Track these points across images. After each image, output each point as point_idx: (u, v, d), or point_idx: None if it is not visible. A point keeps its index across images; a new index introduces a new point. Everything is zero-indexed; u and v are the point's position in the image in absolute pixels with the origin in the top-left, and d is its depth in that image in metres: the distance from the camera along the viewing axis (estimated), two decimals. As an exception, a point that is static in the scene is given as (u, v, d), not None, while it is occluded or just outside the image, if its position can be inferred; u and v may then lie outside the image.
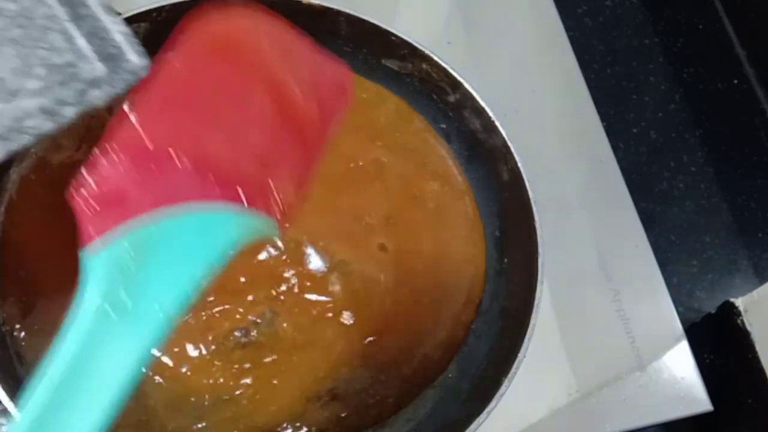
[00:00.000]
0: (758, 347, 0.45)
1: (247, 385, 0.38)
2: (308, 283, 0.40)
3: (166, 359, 0.38)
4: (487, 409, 0.35)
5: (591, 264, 0.48)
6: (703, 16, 0.60)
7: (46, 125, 0.30)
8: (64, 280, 0.38)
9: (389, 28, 0.41)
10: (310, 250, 0.41)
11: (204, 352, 0.38)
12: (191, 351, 0.38)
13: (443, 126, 0.45)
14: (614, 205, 0.51)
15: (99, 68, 0.32)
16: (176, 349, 0.38)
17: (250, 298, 0.39)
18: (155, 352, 0.27)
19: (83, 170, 0.28)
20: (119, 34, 0.32)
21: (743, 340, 0.46)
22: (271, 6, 0.30)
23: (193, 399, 0.38)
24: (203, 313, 0.39)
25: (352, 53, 0.44)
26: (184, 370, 0.38)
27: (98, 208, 0.27)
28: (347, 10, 0.40)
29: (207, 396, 0.38)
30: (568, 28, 0.56)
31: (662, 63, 0.58)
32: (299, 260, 0.40)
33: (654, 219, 0.51)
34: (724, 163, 0.55)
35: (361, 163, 0.44)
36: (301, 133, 0.31)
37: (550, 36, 0.56)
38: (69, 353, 0.25)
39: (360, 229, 0.42)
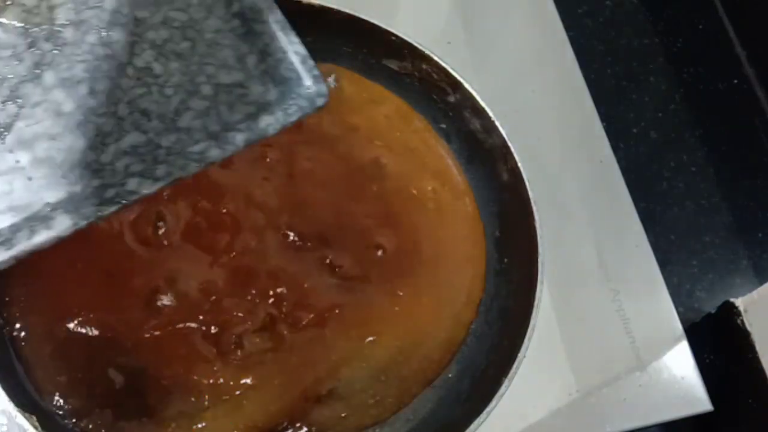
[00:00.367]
0: (758, 347, 0.45)
1: (247, 385, 0.38)
2: (308, 284, 0.40)
3: (166, 359, 0.38)
4: (487, 409, 0.35)
5: (591, 264, 0.48)
6: (703, 16, 0.60)
7: (213, 153, 0.27)
8: (64, 280, 0.38)
9: (389, 28, 0.41)
10: (310, 250, 0.41)
11: (204, 352, 0.38)
12: (191, 351, 0.38)
13: (443, 126, 0.45)
14: (614, 205, 0.51)
15: (271, 91, 0.29)
16: (176, 350, 0.38)
17: (249, 298, 0.39)
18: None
19: None
20: (296, 55, 0.29)
21: (743, 340, 0.46)
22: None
23: (193, 399, 0.38)
24: (204, 314, 0.39)
25: (352, 53, 0.44)
26: (184, 370, 0.38)
27: None
28: (347, 10, 0.40)
29: (207, 396, 0.38)
30: (568, 28, 0.56)
31: (662, 63, 0.58)
32: (299, 260, 0.40)
33: (654, 219, 0.51)
34: (724, 163, 0.55)
35: (360, 163, 0.44)
36: None
37: (550, 36, 0.56)
38: None
39: (360, 229, 0.42)
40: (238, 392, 0.38)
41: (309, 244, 0.41)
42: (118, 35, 0.28)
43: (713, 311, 0.49)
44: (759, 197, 0.55)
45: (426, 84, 0.44)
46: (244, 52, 0.29)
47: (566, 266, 0.47)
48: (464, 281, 0.43)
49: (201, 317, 0.39)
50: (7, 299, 0.38)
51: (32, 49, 0.27)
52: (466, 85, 0.41)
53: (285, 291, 0.40)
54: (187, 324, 0.38)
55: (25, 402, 0.34)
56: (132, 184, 0.26)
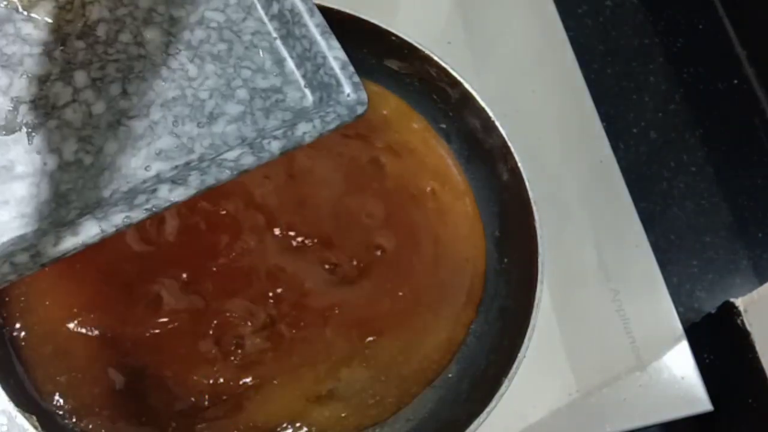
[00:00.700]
0: (758, 347, 0.45)
1: (247, 385, 0.38)
2: (308, 284, 0.40)
3: (166, 359, 0.38)
4: (487, 409, 0.35)
5: (591, 264, 0.48)
6: (703, 16, 0.60)
7: (248, 160, 0.26)
8: (64, 280, 0.38)
9: (389, 28, 0.41)
10: (310, 250, 0.41)
11: (204, 352, 0.38)
12: (192, 351, 0.38)
13: (443, 126, 0.45)
14: (614, 205, 0.51)
15: (308, 97, 0.28)
16: (177, 350, 0.38)
17: (250, 298, 0.39)
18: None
19: None
20: (336, 60, 0.28)
21: (743, 340, 0.46)
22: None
23: (193, 399, 0.38)
24: (203, 314, 0.39)
25: (352, 53, 0.44)
26: (184, 370, 0.38)
27: None
28: (347, 10, 0.40)
29: (207, 396, 0.38)
30: (568, 28, 0.56)
31: (662, 63, 0.58)
32: (299, 260, 0.40)
33: (654, 219, 0.51)
34: (724, 163, 0.55)
35: (361, 163, 0.44)
36: None
37: (550, 36, 0.56)
38: None
39: (360, 229, 0.42)
40: (238, 392, 0.38)
41: (309, 244, 0.41)
42: (152, 35, 0.27)
43: (713, 311, 0.49)
44: (759, 197, 0.55)
45: (426, 84, 0.44)
46: (282, 56, 0.28)
47: (566, 266, 0.47)
48: (464, 281, 0.43)
49: (201, 317, 0.39)
50: (7, 299, 0.38)
51: (63, 47, 0.26)
52: (466, 85, 0.41)
53: (285, 291, 0.40)
54: (187, 324, 0.38)
55: (25, 402, 0.34)
56: (163, 190, 0.25)
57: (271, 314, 0.39)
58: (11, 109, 0.25)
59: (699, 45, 0.59)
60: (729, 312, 0.47)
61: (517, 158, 0.40)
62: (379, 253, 0.42)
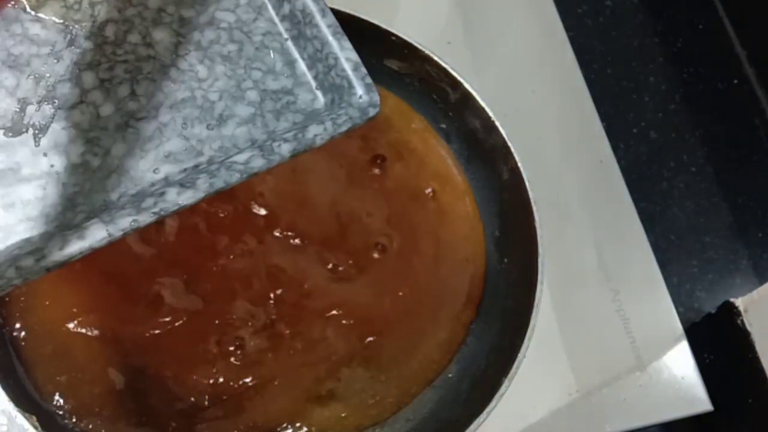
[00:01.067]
0: (758, 347, 0.45)
1: (247, 385, 0.38)
2: (308, 284, 0.40)
3: (166, 359, 0.38)
4: (487, 409, 0.35)
5: (591, 264, 0.48)
6: (703, 16, 0.60)
7: (257, 163, 0.25)
8: (64, 280, 0.38)
9: (389, 28, 0.41)
10: (310, 251, 0.41)
11: (204, 352, 0.38)
12: (192, 351, 0.38)
13: (443, 126, 0.45)
14: (614, 205, 0.51)
15: (320, 99, 0.27)
16: (177, 350, 0.38)
17: (250, 298, 0.39)
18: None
19: None
20: (348, 62, 0.27)
21: (743, 340, 0.46)
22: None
23: (193, 399, 0.38)
24: (204, 314, 0.39)
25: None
26: (184, 370, 0.38)
27: None
28: (347, 10, 0.40)
29: (207, 396, 0.38)
30: (568, 28, 0.56)
31: (662, 63, 0.58)
32: (299, 261, 0.40)
33: (654, 219, 0.51)
34: (724, 163, 0.55)
35: (361, 164, 0.44)
36: None
37: (550, 36, 0.56)
38: None
39: (360, 229, 0.42)
40: (238, 392, 0.38)
41: (309, 244, 0.41)
42: (161, 35, 0.27)
43: (713, 311, 0.49)
44: (759, 197, 0.55)
45: (426, 84, 0.44)
46: (293, 57, 0.28)
47: (566, 266, 0.47)
48: (464, 281, 0.43)
49: (201, 318, 0.39)
50: (7, 299, 0.38)
51: (71, 47, 0.26)
52: (466, 85, 0.41)
53: (285, 291, 0.40)
54: (188, 324, 0.38)
55: (25, 402, 0.34)
56: (171, 194, 0.24)
57: (271, 314, 0.39)
58: (18, 110, 0.25)
59: (699, 45, 0.59)
60: (729, 312, 0.47)
61: (517, 158, 0.40)
62: (379, 253, 0.42)
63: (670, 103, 0.57)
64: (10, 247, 0.24)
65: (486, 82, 0.51)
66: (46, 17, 0.26)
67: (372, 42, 0.42)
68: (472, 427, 0.35)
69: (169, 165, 0.26)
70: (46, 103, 0.25)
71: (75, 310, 0.38)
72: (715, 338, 0.48)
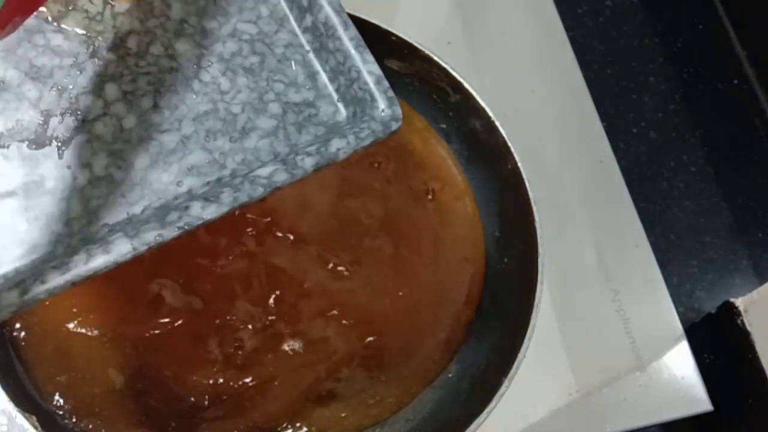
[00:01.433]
0: (758, 347, 0.45)
1: (247, 385, 0.38)
2: (307, 284, 0.40)
3: (166, 359, 0.38)
4: (487, 409, 0.35)
5: (591, 264, 0.48)
6: (703, 16, 0.60)
7: (281, 177, 0.25)
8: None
9: (389, 28, 0.41)
10: (309, 251, 0.41)
11: (204, 352, 0.38)
12: (192, 351, 0.38)
13: (443, 126, 0.45)
14: (614, 205, 0.51)
15: (342, 112, 0.27)
16: (177, 350, 0.38)
17: (250, 299, 0.39)
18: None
19: None
20: (370, 75, 0.27)
21: (743, 340, 0.46)
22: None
23: (193, 399, 0.38)
24: (204, 314, 0.39)
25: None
26: (184, 370, 0.38)
27: None
28: (347, 10, 0.40)
29: (207, 396, 0.38)
30: (568, 28, 0.56)
31: (662, 63, 0.58)
32: (299, 261, 0.40)
33: (654, 219, 0.51)
34: (724, 163, 0.55)
35: (360, 164, 0.44)
36: None
37: (550, 36, 0.56)
38: None
39: (360, 229, 0.42)
40: (238, 392, 0.38)
41: (309, 244, 0.41)
42: (184, 47, 0.27)
43: (713, 311, 0.49)
44: (759, 197, 0.55)
45: (426, 84, 0.44)
46: (315, 70, 0.28)
47: (566, 266, 0.47)
48: (464, 281, 0.43)
49: (201, 318, 0.39)
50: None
51: (94, 59, 0.26)
52: (466, 85, 0.41)
53: (285, 292, 0.40)
54: (188, 324, 0.38)
55: (25, 402, 0.34)
56: (195, 208, 0.24)
57: (271, 315, 0.39)
58: (41, 122, 0.25)
59: (699, 45, 0.59)
60: (729, 312, 0.47)
61: (517, 158, 0.40)
62: (378, 253, 0.42)
63: (670, 103, 0.57)
64: (36, 261, 0.23)
65: (486, 82, 0.51)
66: (69, 28, 0.26)
67: (372, 42, 0.42)
68: (472, 427, 0.35)
69: (192, 178, 0.25)
70: (69, 115, 0.25)
71: (75, 310, 0.38)
72: (715, 338, 0.48)
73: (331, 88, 0.28)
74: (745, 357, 0.45)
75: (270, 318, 0.39)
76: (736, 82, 0.58)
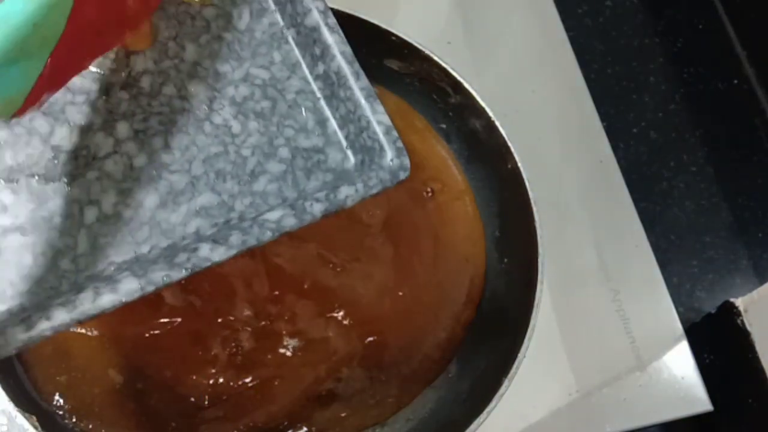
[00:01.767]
0: (758, 347, 0.45)
1: (247, 385, 0.38)
2: (307, 284, 0.40)
3: (166, 359, 0.38)
4: (487, 409, 0.35)
5: (591, 264, 0.48)
6: (703, 16, 0.60)
7: (289, 222, 0.25)
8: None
9: (389, 28, 0.41)
10: (309, 250, 0.41)
11: (204, 352, 0.38)
12: (192, 351, 0.38)
13: (443, 126, 0.45)
14: (614, 205, 0.51)
15: (351, 159, 0.28)
16: (177, 350, 0.38)
17: (250, 298, 0.39)
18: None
19: None
20: (380, 125, 0.27)
21: (743, 340, 0.46)
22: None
23: (192, 399, 0.38)
24: (204, 314, 0.39)
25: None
26: (184, 370, 0.38)
27: None
28: (347, 10, 0.40)
29: (207, 396, 0.38)
30: (568, 28, 0.56)
31: (662, 63, 0.58)
32: (299, 260, 0.40)
33: (654, 219, 0.51)
34: (724, 163, 0.55)
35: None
36: None
37: (550, 36, 0.56)
38: None
39: (359, 229, 0.42)
40: (238, 392, 0.38)
41: (309, 244, 0.41)
42: (196, 89, 0.27)
43: (713, 311, 0.49)
44: (759, 197, 0.55)
45: (426, 84, 0.44)
46: (325, 117, 0.28)
47: (566, 266, 0.47)
48: (464, 281, 0.43)
49: (201, 318, 0.39)
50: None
51: (106, 97, 0.26)
52: (466, 85, 0.41)
53: (285, 291, 0.40)
54: (187, 324, 0.38)
55: (25, 402, 0.34)
56: (204, 249, 0.24)
57: (271, 314, 0.39)
58: (51, 157, 0.25)
59: (699, 45, 0.59)
60: (729, 312, 0.47)
61: (517, 158, 0.40)
62: (379, 253, 0.42)
63: (670, 103, 0.57)
64: (41, 296, 0.23)
65: (486, 82, 0.51)
66: None
67: (372, 42, 0.42)
68: (472, 427, 0.35)
69: (200, 219, 0.25)
70: (79, 151, 0.25)
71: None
72: (715, 338, 0.48)
73: (340, 136, 0.28)
74: (745, 357, 0.45)
75: (270, 318, 0.39)
76: (736, 82, 0.58)
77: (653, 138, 0.55)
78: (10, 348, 0.22)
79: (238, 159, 0.26)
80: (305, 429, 0.39)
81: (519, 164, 0.40)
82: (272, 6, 0.29)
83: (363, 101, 0.27)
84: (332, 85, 0.28)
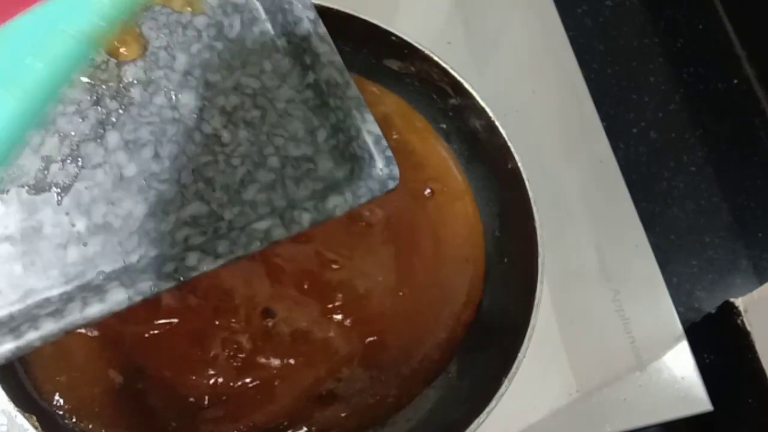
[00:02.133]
0: (758, 347, 0.45)
1: (247, 385, 0.38)
2: (307, 284, 0.40)
3: (166, 359, 0.38)
4: (487, 409, 0.35)
5: (591, 264, 0.48)
6: (703, 16, 0.60)
7: (278, 232, 0.25)
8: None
9: (389, 28, 0.41)
10: (309, 250, 0.41)
11: (204, 352, 0.38)
12: (192, 351, 0.38)
13: (443, 126, 0.45)
14: (614, 205, 0.51)
15: (340, 169, 0.28)
16: (176, 350, 0.38)
17: (249, 298, 0.39)
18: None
19: None
20: (369, 134, 0.28)
21: (743, 340, 0.46)
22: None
23: (192, 399, 0.38)
24: (204, 314, 0.39)
25: (352, 53, 0.44)
26: (184, 370, 0.38)
27: None
28: (347, 10, 0.40)
29: (207, 396, 0.38)
30: (568, 28, 0.56)
31: (662, 63, 0.58)
32: (299, 260, 0.40)
33: (654, 219, 0.51)
34: (724, 163, 0.55)
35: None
36: None
37: (550, 36, 0.56)
38: None
39: (359, 229, 0.42)
40: (238, 392, 0.38)
41: (308, 243, 0.41)
42: (187, 98, 0.27)
43: (713, 311, 0.49)
44: (759, 197, 0.55)
45: (426, 84, 0.44)
46: (315, 126, 0.28)
47: (566, 266, 0.47)
48: (464, 281, 0.43)
49: (201, 318, 0.39)
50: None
51: (97, 107, 0.26)
52: (466, 85, 0.41)
53: (284, 291, 0.40)
54: (187, 324, 0.38)
55: (25, 402, 0.34)
56: (192, 259, 0.24)
57: (271, 314, 0.39)
58: (41, 168, 0.25)
59: (699, 45, 0.59)
60: (729, 312, 0.47)
61: (517, 158, 0.40)
62: (379, 253, 0.42)
63: (670, 103, 0.57)
64: (30, 306, 0.24)
65: (486, 82, 0.51)
66: (73, 76, 0.26)
67: (372, 42, 0.42)
68: (472, 427, 0.35)
69: (189, 228, 0.25)
70: (69, 161, 0.25)
71: (75, 310, 0.38)
72: (715, 338, 0.48)
73: (330, 145, 0.28)
74: (745, 357, 0.45)
75: (270, 317, 0.39)
76: (736, 82, 0.58)
77: (653, 138, 0.55)
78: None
79: (227, 168, 0.26)
80: (305, 429, 0.39)
81: (519, 164, 0.40)
82: (263, 15, 0.29)
83: (353, 111, 0.28)
84: (322, 94, 0.28)
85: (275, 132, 0.27)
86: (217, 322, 0.39)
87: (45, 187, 0.25)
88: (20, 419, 0.33)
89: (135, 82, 0.27)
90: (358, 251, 0.42)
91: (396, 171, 0.28)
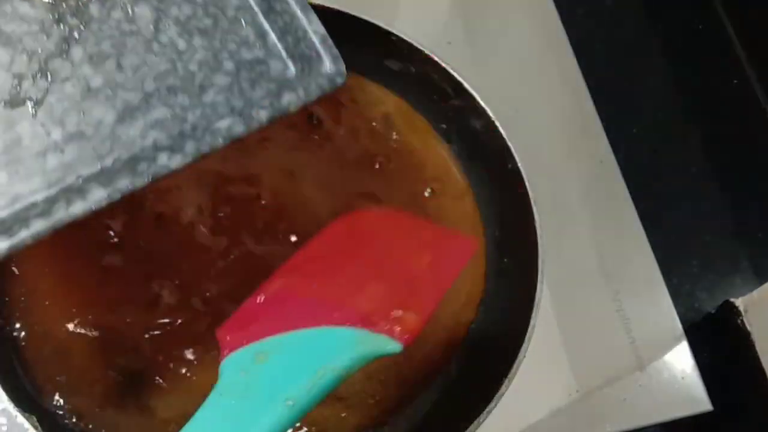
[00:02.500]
0: (758, 347, 0.45)
1: (247, 385, 0.38)
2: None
3: (166, 360, 0.38)
4: (487, 409, 0.35)
5: (591, 264, 0.48)
6: (703, 16, 0.60)
7: (238, 129, 0.28)
8: (64, 280, 0.38)
9: (389, 28, 0.41)
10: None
11: (205, 352, 0.38)
12: (192, 352, 0.38)
13: (443, 126, 0.45)
14: (614, 205, 0.51)
15: (291, 69, 0.30)
16: (177, 350, 0.38)
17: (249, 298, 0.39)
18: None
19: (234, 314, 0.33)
20: (316, 35, 0.30)
21: (743, 340, 0.46)
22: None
23: (192, 399, 0.37)
24: (203, 314, 0.39)
25: (352, 53, 0.44)
26: (184, 371, 0.38)
27: (235, 332, 0.32)
28: (347, 10, 0.40)
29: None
30: (568, 28, 0.56)
31: (662, 63, 0.58)
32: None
33: (654, 219, 0.51)
34: (724, 163, 0.55)
35: (361, 164, 0.44)
36: (415, 284, 0.35)
37: (550, 36, 0.56)
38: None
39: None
40: (238, 392, 0.38)
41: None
42: (142, 11, 0.29)
43: (713, 311, 0.49)
44: (759, 197, 0.55)
45: (426, 84, 0.44)
46: (264, 30, 0.30)
47: (566, 266, 0.47)
48: (464, 281, 0.43)
49: (201, 318, 0.39)
50: (7, 299, 0.38)
51: (59, 25, 0.28)
52: (466, 86, 0.41)
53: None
54: (187, 325, 0.38)
55: (25, 402, 0.34)
56: (162, 158, 0.27)
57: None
58: (15, 84, 0.27)
59: (699, 45, 0.59)
60: (729, 312, 0.47)
61: (517, 158, 0.40)
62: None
63: (670, 103, 0.57)
64: (19, 210, 0.26)
65: (486, 83, 0.50)
66: None
67: (372, 42, 0.42)
68: (472, 427, 0.35)
69: (156, 131, 0.28)
70: (39, 76, 0.27)
71: (74, 310, 0.38)
72: (715, 338, 0.48)
73: (280, 47, 0.30)
74: (745, 357, 0.45)
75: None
76: (736, 82, 0.58)
77: (653, 138, 0.55)
78: None
79: (186, 74, 0.29)
80: (305, 429, 0.39)
81: (519, 164, 0.40)
82: None
83: (299, 12, 0.30)
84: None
85: (228, 38, 0.30)
86: (217, 323, 0.39)
87: (20, 101, 0.27)
88: (20, 419, 0.33)
89: None
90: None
91: (342, 68, 0.30)
